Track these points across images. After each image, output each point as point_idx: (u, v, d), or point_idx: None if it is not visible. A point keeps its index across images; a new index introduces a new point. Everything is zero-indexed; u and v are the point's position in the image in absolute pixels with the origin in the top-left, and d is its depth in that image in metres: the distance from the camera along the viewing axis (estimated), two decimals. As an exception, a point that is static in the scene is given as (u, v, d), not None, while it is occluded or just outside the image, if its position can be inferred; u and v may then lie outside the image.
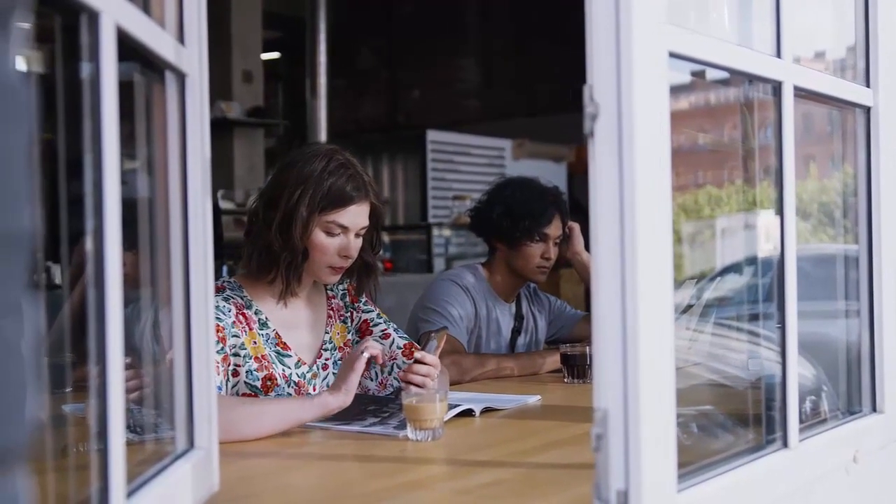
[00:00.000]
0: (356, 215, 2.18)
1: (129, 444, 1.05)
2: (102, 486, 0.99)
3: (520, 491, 1.51)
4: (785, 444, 1.48)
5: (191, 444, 1.34)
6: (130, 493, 1.07)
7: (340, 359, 2.31)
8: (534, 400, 2.32)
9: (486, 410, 2.16)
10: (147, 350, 1.49)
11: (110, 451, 0.99)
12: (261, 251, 2.18)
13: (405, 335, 2.38)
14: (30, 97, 0.58)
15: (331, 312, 2.35)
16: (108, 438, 0.99)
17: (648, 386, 1.14)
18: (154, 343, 1.47)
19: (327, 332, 2.32)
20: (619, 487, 1.15)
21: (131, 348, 1.14)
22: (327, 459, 1.75)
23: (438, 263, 7.25)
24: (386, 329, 2.37)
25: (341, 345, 2.34)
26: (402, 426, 1.90)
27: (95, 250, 0.98)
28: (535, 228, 2.93)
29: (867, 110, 1.77)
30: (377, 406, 2.13)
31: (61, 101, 1.05)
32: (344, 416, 2.03)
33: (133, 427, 1.35)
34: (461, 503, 1.46)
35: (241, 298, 2.20)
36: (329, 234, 2.17)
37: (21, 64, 0.58)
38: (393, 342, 2.34)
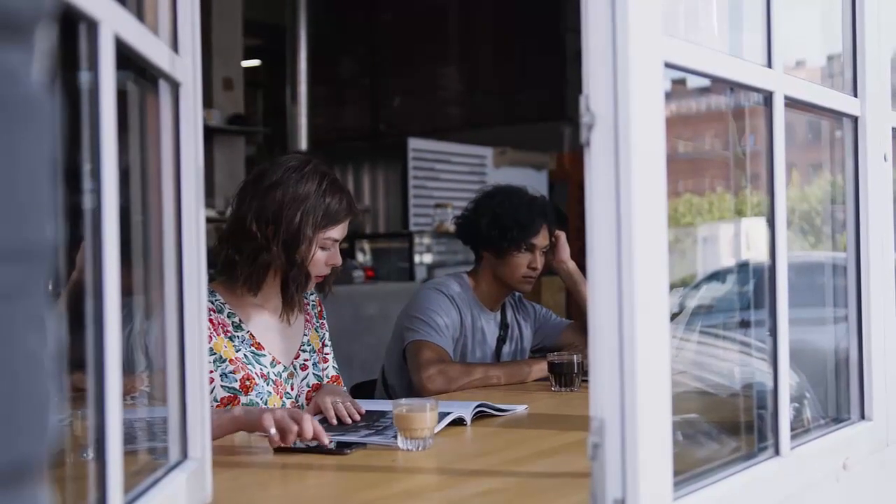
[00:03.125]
0: (345, 228, 2.30)
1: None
2: (100, 498, 0.98)
3: (513, 500, 1.51)
4: (777, 452, 1.49)
5: (184, 454, 1.34)
6: (127, 505, 1.06)
7: (317, 362, 2.40)
8: (521, 409, 2.32)
9: (479, 416, 2.16)
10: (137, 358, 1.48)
11: (108, 462, 0.98)
12: (260, 270, 2.23)
13: (337, 367, 2.50)
14: (52, 110, 0.58)
15: (307, 317, 2.43)
16: (105, 450, 0.98)
17: (645, 395, 1.15)
18: (142, 351, 1.47)
19: (305, 335, 2.40)
20: (616, 496, 1.15)
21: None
22: (319, 469, 1.75)
23: (420, 272, 7.24)
24: (328, 354, 2.48)
25: (318, 349, 2.43)
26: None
27: (94, 259, 0.97)
28: (523, 238, 2.93)
29: (854, 119, 1.78)
30: (369, 420, 2.11)
31: (57, 108, 1.05)
32: (337, 429, 2.02)
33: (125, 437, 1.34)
34: (455, 512, 1.46)
35: (212, 303, 2.23)
36: (323, 248, 2.26)
37: (43, 76, 0.58)
38: (326, 369, 2.45)
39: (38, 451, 0.54)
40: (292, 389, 2.31)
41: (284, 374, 2.30)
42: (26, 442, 0.53)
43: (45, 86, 0.57)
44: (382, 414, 2.16)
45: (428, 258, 7.38)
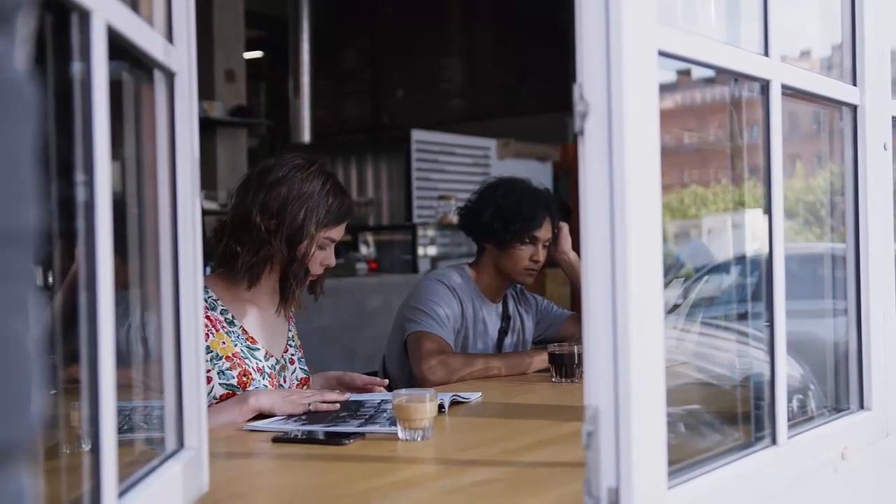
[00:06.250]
0: (343, 230, 2.34)
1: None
2: (94, 486, 0.99)
3: (511, 489, 1.51)
4: (774, 441, 1.49)
5: (181, 444, 1.34)
6: (122, 494, 1.07)
7: (300, 357, 2.44)
8: (476, 396, 2.34)
9: (454, 404, 2.21)
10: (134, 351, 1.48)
11: (102, 451, 0.98)
12: (261, 263, 2.25)
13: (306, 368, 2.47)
14: (34, 96, 0.58)
15: (291, 315, 2.46)
16: (99, 439, 0.99)
17: (639, 383, 1.15)
18: (140, 344, 1.47)
19: (290, 330, 2.44)
20: (610, 485, 1.15)
21: (118, 349, 1.13)
22: (317, 459, 1.75)
23: (423, 264, 7.24)
24: (301, 355, 2.47)
25: (299, 344, 2.47)
26: (394, 422, 1.89)
27: (87, 252, 0.97)
28: (526, 231, 2.92)
29: (854, 108, 1.78)
30: (350, 411, 2.11)
31: (49, 100, 1.05)
32: (323, 419, 2.02)
33: (120, 427, 1.34)
34: (453, 502, 1.46)
35: (206, 300, 2.24)
36: (321, 247, 2.29)
37: (25, 62, 0.58)
38: (294, 371, 2.42)
39: (20, 433, 0.55)
40: (284, 382, 2.35)
41: (277, 367, 2.33)
42: (8, 424, 0.54)
43: (26, 72, 0.57)
44: (359, 404, 2.17)
45: (431, 250, 7.39)
